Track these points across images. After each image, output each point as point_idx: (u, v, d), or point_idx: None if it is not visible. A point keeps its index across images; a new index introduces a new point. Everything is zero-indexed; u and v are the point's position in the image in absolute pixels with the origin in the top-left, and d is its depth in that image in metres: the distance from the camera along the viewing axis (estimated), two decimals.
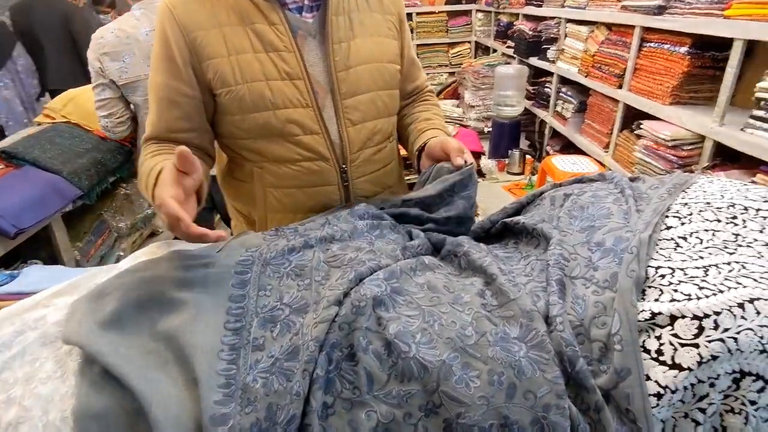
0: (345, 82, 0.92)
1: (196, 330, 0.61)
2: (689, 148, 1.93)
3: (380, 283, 0.62)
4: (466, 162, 0.89)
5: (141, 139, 1.81)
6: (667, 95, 2.08)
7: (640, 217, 0.66)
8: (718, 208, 0.66)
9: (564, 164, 2.47)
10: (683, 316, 0.51)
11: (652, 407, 0.49)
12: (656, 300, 0.54)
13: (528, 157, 3.26)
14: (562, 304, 0.57)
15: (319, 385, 0.54)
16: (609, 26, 2.57)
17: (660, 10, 2.08)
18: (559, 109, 3.18)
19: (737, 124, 1.69)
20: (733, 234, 0.61)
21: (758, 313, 0.49)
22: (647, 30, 2.20)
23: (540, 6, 3.40)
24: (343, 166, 0.96)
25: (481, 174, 2.52)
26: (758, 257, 0.57)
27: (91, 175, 1.93)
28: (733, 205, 0.66)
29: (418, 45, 5.24)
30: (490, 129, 3.65)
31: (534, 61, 3.45)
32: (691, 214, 0.66)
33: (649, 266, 0.58)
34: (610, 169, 2.46)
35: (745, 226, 0.62)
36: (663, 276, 0.56)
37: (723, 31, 1.69)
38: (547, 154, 3.32)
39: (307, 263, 0.70)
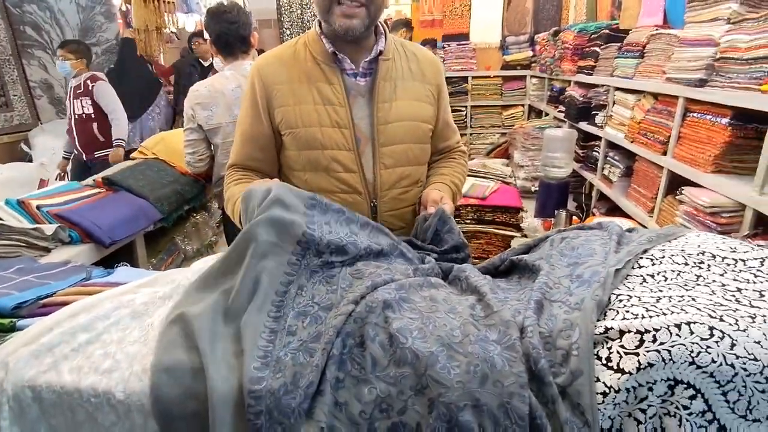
0: (383, 133, 1.13)
1: (250, 313, 0.78)
2: (728, 215, 1.94)
3: (391, 291, 0.77)
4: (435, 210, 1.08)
5: (215, 174, 2.11)
6: (709, 163, 2.11)
7: (616, 256, 0.77)
8: (689, 254, 0.76)
9: None
10: (629, 331, 0.61)
11: (599, 404, 0.59)
12: (612, 319, 0.65)
13: (575, 218, 3.30)
14: (535, 317, 0.69)
15: (333, 361, 0.68)
16: (655, 95, 2.67)
17: (701, 83, 2.17)
18: (606, 172, 3.24)
19: None
20: (696, 275, 0.71)
21: (692, 333, 0.59)
22: (690, 101, 2.28)
23: (590, 74, 3.55)
24: (374, 200, 1.15)
25: (518, 228, 2.62)
26: (710, 294, 0.66)
27: (171, 202, 2.25)
28: (703, 253, 0.75)
29: (472, 106, 5.50)
30: (537, 188, 3.74)
31: (584, 125, 3.57)
32: (663, 258, 0.76)
33: (612, 294, 0.69)
34: None
35: (708, 270, 0.72)
36: (621, 300, 0.67)
37: (761, 105, 1.76)
38: (593, 215, 3.35)
39: (335, 274, 0.86)
